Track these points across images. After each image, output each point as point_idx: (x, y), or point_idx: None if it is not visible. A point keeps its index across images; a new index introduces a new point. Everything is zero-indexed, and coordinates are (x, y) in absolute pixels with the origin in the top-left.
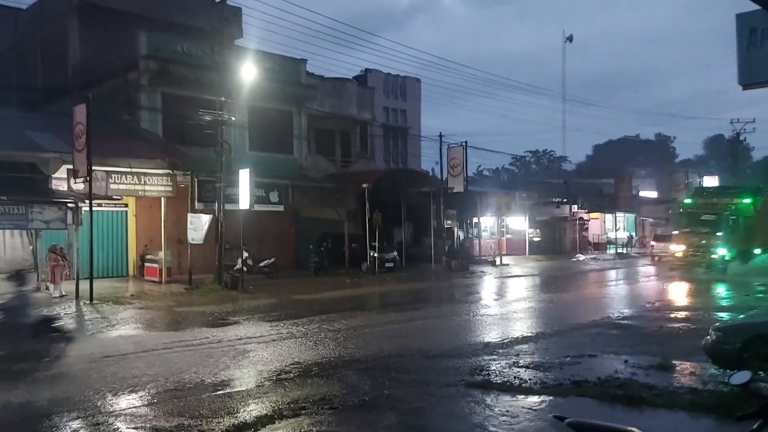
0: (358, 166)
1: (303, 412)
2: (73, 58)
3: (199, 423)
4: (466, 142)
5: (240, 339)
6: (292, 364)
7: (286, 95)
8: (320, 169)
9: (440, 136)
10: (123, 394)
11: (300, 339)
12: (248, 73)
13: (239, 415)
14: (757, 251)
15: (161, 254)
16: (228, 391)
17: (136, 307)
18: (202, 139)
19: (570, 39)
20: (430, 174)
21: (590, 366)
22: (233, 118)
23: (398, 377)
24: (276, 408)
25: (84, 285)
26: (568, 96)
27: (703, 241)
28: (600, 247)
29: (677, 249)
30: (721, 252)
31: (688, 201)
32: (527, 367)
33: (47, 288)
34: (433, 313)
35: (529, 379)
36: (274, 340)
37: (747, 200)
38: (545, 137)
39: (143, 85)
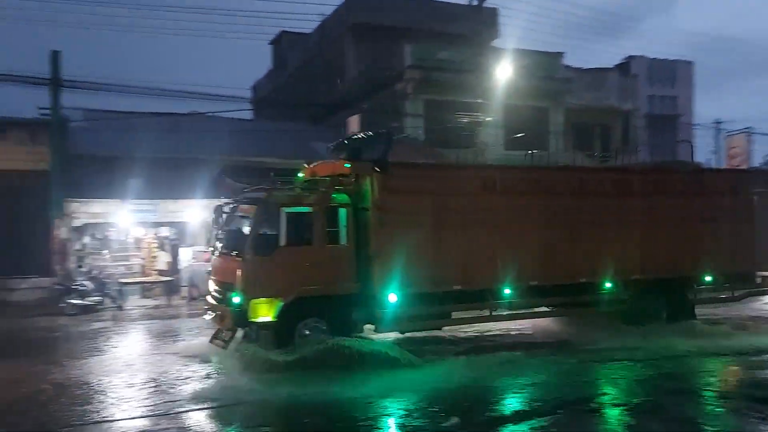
0: (619, 160)
1: None
2: (349, 73)
3: None
4: (749, 128)
5: None
6: None
7: (542, 91)
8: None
9: (717, 123)
10: None
11: None
12: (504, 72)
13: None
14: (393, 297)
15: None
16: None
17: None
18: (461, 141)
19: None
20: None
21: None
22: (489, 119)
23: None
24: None
25: None
26: None
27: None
28: None
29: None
30: (236, 300)
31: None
32: None
33: None
34: None
35: None
36: None
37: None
38: None
39: (408, 93)
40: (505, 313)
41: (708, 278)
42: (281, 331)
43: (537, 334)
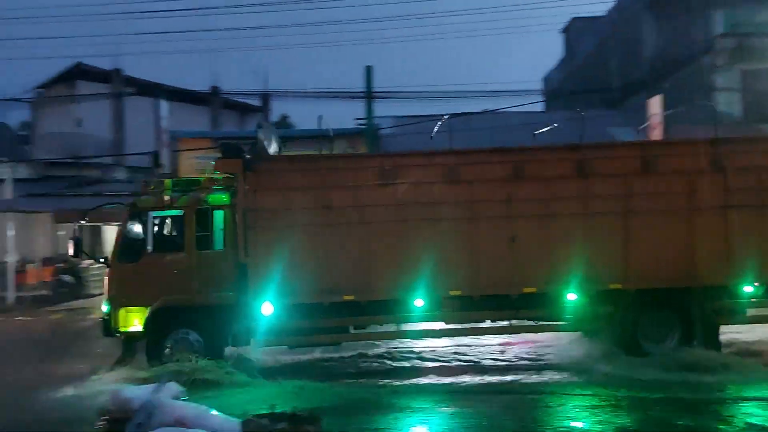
0: None
1: None
2: (647, 52)
3: None
4: None
5: None
6: None
7: None
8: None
9: None
10: None
11: None
12: None
13: None
14: (268, 308)
15: None
16: None
17: None
18: None
19: None
20: None
21: None
22: None
23: None
24: None
25: None
26: None
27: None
28: None
29: None
30: (104, 309)
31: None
32: None
33: None
34: None
35: None
36: None
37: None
38: None
39: (719, 65)
40: (422, 328)
41: (747, 288)
42: (149, 343)
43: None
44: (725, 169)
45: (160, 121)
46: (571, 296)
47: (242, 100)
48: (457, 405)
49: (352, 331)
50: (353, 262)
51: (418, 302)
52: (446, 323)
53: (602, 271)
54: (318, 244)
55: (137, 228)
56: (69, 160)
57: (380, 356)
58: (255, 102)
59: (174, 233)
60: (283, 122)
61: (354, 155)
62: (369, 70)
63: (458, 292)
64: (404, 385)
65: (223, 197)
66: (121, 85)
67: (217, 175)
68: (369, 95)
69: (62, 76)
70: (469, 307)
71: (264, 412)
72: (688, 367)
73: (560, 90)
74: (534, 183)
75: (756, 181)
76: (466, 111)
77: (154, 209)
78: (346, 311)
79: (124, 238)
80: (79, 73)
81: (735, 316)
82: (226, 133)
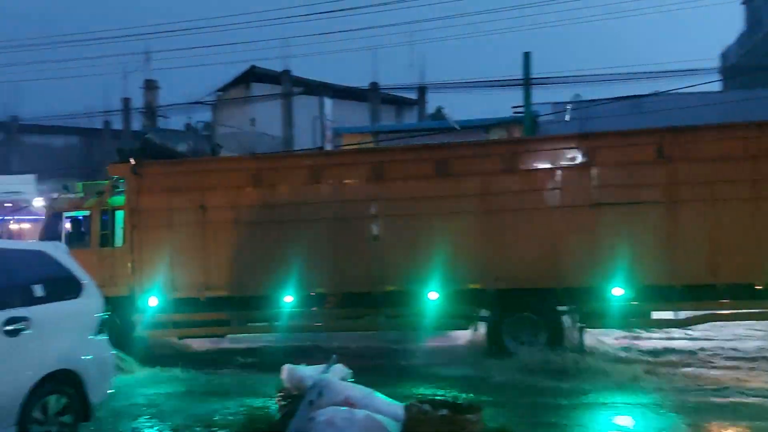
0: None
1: None
2: None
3: None
4: None
5: None
6: None
7: None
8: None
9: None
10: None
11: None
12: None
13: None
14: (153, 300)
15: None
16: None
17: None
18: None
19: None
20: None
21: None
22: None
23: None
24: None
25: None
26: None
27: None
28: None
29: None
30: None
31: None
32: None
33: None
34: None
35: None
36: None
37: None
38: None
39: None
40: (291, 324)
41: (618, 291)
42: None
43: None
44: (592, 166)
45: (324, 119)
46: (433, 295)
47: (400, 95)
48: None
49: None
50: (226, 259)
51: (288, 299)
52: (314, 321)
53: (462, 271)
54: (194, 243)
55: (55, 226)
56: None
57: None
58: (413, 95)
59: (81, 232)
60: (438, 114)
61: (227, 158)
62: (527, 56)
63: (322, 290)
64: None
65: (122, 199)
66: (289, 86)
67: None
68: (527, 82)
69: (238, 80)
70: (336, 304)
71: (426, 398)
72: (545, 370)
73: (739, 67)
74: (394, 183)
75: (624, 178)
76: (635, 94)
77: (66, 210)
78: (224, 306)
79: (42, 236)
80: (253, 75)
81: (604, 320)
82: (384, 127)
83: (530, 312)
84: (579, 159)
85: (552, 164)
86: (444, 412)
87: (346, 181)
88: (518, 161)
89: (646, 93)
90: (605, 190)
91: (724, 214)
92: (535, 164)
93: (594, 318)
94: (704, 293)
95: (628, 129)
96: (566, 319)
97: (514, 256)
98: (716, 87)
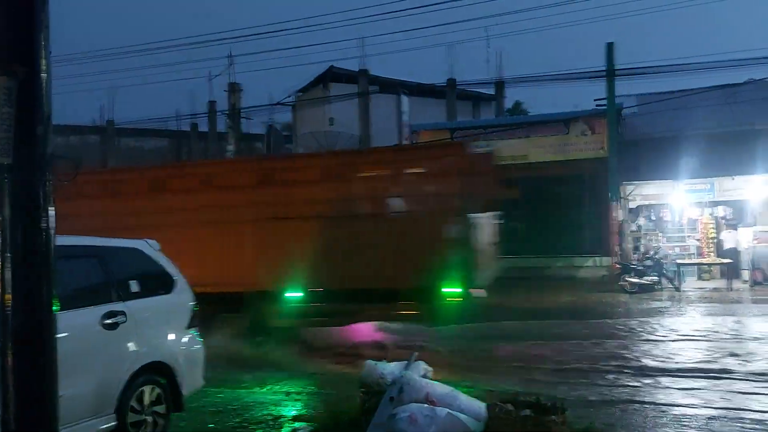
0: None
1: None
2: None
3: None
4: None
5: None
6: None
7: None
8: None
9: None
10: None
11: None
12: None
13: None
14: None
15: None
16: None
17: None
18: None
19: None
20: None
21: None
22: None
23: None
24: None
25: None
26: None
27: None
28: None
29: None
30: None
31: None
32: None
33: None
34: None
35: None
36: None
37: None
38: None
39: None
40: None
41: (293, 294)
42: None
43: None
44: (273, 184)
45: (401, 116)
46: None
47: (477, 90)
48: None
49: None
50: None
51: None
52: None
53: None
54: None
55: None
56: None
57: None
58: (490, 90)
59: None
60: (517, 109)
61: (127, 168)
62: (610, 47)
63: None
64: None
65: None
66: (366, 85)
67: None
68: (610, 73)
69: (317, 80)
70: None
71: (508, 396)
72: (236, 362)
73: None
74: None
75: (292, 197)
76: (722, 84)
77: None
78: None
79: None
80: (331, 75)
81: (286, 318)
82: (461, 123)
83: (232, 310)
84: (256, 180)
85: (236, 183)
86: (527, 412)
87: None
88: (210, 179)
89: (740, 81)
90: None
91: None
92: (224, 182)
93: (278, 316)
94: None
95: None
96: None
97: (219, 264)
98: None
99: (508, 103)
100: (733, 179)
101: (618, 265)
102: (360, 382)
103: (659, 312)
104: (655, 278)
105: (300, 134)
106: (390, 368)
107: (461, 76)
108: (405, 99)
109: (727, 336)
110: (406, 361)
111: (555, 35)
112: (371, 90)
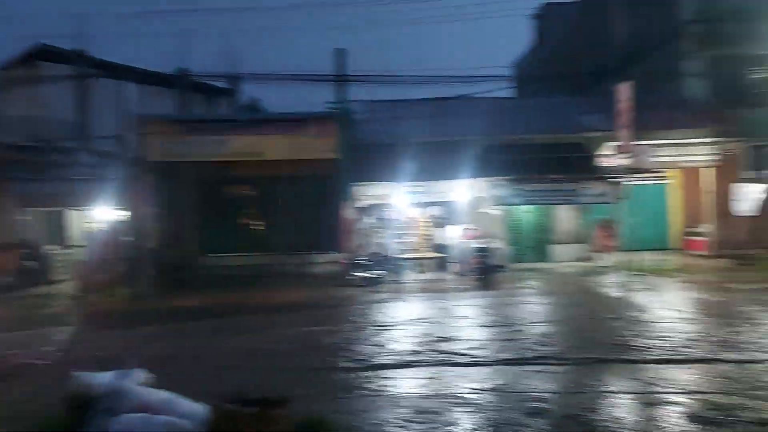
0: None
1: None
2: (616, 39)
3: None
4: None
5: None
6: None
7: None
8: None
9: None
10: None
11: None
12: None
13: None
14: None
15: (705, 227)
16: None
17: (678, 280)
18: (756, 101)
19: None
20: None
21: None
22: None
23: None
24: None
25: (626, 256)
26: None
27: None
28: None
29: None
30: None
31: None
32: None
33: (592, 258)
34: None
35: None
36: None
37: None
38: None
39: (687, 51)
40: None
41: None
42: None
43: None
44: None
45: (125, 104)
46: None
47: (211, 83)
48: None
49: None
50: None
51: None
52: None
53: None
54: None
55: None
56: (32, 144)
57: None
58: (224, 85)
59: None
60: (254, 106)
61: None
62: (340, 53)
63: None
64: None
65: None
66: (84, 67)
67: None
68: (340, 78)
69: (24, 58)
70: None
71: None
72: None
73: (531, 76)
74: None
75: None
76: (442, 96)
77: None
78: None
79: None
80: (42, 54)
81: None
82: (194, 116)
83: None
84: None
85: None
86: (252, 409)
87: None
88: None
89: (450, 96)
90: None
91: None
92: None
93: None
94: None
95: None
96: None
97: None
98: (511, 93)
99: (245, 100)
100: (444, 183)
101: (345, 261)
102: (68, 396)
103: (380, 302)
104: (382, 272)
105: (3, 118)
106: (102, 378)
107: (195, 67)
108: (131, 86)
109: (436, 321)
110: (121, 371)
111: (291, 38)
112: (90, 73)
